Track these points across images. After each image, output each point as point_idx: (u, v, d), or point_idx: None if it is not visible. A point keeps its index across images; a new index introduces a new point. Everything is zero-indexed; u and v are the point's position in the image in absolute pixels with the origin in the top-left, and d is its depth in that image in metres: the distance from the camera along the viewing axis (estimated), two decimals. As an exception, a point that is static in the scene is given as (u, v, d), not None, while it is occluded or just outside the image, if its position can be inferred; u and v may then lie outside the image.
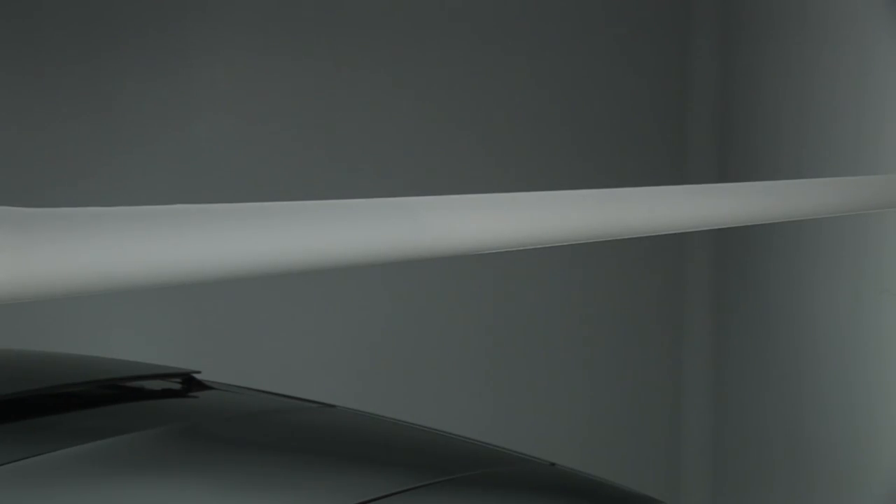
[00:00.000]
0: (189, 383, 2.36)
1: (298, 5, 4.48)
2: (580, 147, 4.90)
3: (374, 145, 4.60)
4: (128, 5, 4.30)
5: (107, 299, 4.16)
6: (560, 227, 1.48)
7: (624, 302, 5.01)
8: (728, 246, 4.87)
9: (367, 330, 4.62)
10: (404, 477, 1.90)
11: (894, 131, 3.95)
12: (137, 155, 4.31)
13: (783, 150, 4.54)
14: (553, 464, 2.05)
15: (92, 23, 4.25)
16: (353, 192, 4.38)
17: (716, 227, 1.79)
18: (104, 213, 1.09)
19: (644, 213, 1.59)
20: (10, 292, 1.00)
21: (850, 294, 4.13)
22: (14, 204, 1.05)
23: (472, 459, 2.10)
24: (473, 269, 4.72)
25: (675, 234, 1.71)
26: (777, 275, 4.56)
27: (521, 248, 1.47)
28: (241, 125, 4.43)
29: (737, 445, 4.82)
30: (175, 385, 2.35)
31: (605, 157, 4.92)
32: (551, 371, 4.89)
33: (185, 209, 1.16)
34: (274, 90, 4.46)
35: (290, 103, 4.48)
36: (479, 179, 4.65)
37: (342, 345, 4.58)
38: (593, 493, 1.93)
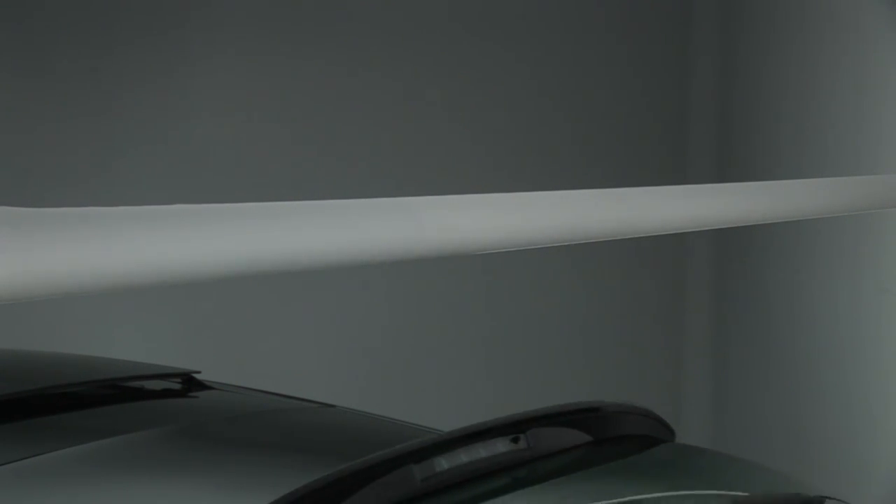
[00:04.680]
0: (189, 383, 2.36)
1: (298, 5, 4.48)
2: (580, 147, 4.90)
3: (374, 145, 4.60)
4: (128, 6, 4.30)
5: (107, 299, 4.16)
6: (560, 227, 1.48)
7: (624, 302, 5.01)
8: (728, 246, 4.87)
9: (366, 330, 4.62)
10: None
11: (894, 131, 3.95)
12: (137, 155, 4.31)
13: (783, 150, 4.54)
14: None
15: (92, 23, 4.25)
16: (353, 192, 4.37)
17: (716, 227, 1.79)
18: (104, 213, 1.09)
19: (644, 213, 1.59)
20: (10, 292, 1.00)
21: (850, 294, 4.13)
22: (14, 204, 1.05)
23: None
24: (473, 269, 4.72)
25: (675, 234, 1.71)
26: (777, 275, 4.56)
27: (521, 249, 1.47)
28: (241, 125, 4.43)
29: (737, 445, 4.81)
30: (175, 385, 2.35)
31: (605, 157, 4.92)
32: (551, 371, 4.89)
33: (185, 209, 1.16)
34: (274, 90, 4.46)
35: (290, 103, 4.48)
36: (479, 179, 4.65)
37: (342, 345, 4.58)
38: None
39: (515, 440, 1.80)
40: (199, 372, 2.39)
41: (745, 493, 1.75)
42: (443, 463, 1.67)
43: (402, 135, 4.64)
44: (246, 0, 4.44)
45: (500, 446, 1.78)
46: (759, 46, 4.69)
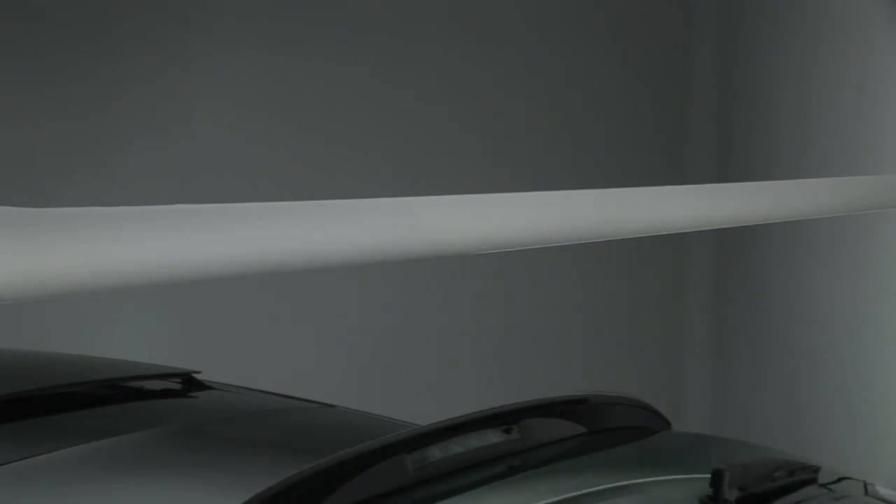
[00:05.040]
0: (189, 383, 2.36)
1: (298, 5, 4.47)
2: (580, 147, 4.90)
3: (374, 145, 4.60)
4: (128, 6, 4.30)
5: (107, 299, 4.16)
6: (560, 227, 1.48)
7: (624, 302, 5.01)
8: (728, 246, 4.87)
9: (366, 330, 4.61)
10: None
11: (894, 131, 3.95)
12: (137, 154, 4.31)
13: (783, 150, 4.54)
14: None
15: (92, 23, 4.25)
16: (353, 192, 4.38)
17: (716, 227, 1.79)
18: (104, 213, 1.09)
19: (644, 213, 1.59)
20: (9, 292, 1.00)
21: (850, 294, 4.13)
22: (14, 204, 1.05)
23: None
24: (473, 269, 4.72)
25: (675, 234, 1.71)
26: (777, 275, 4.56)
27: (521, 248, 1.47)
28: (241, 125, 4.43)
29: (737, 445, 4.81)
30: (175, 385, 2.35)
31: (605, 157, 4.92)
32: (551, 371, 4.89)
33: (185, 209, 1.16)
34: (274, 90, 4.46)
35: (291, 103, 4.48)
36: (479, 179, 4.65)
37: (342, 345, 4.58)
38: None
39: (507, 430, 1.81)
40: (199, 372, 2.39)
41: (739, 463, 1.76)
42: (433, 453, 1.67)
43: (402, 135, 4.64)
44: (246, 0, 4.44)
45: (492, 437, 1.78)
46: (759, 46, 4.69)
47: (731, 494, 1.69)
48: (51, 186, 4.19)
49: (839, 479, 2.00)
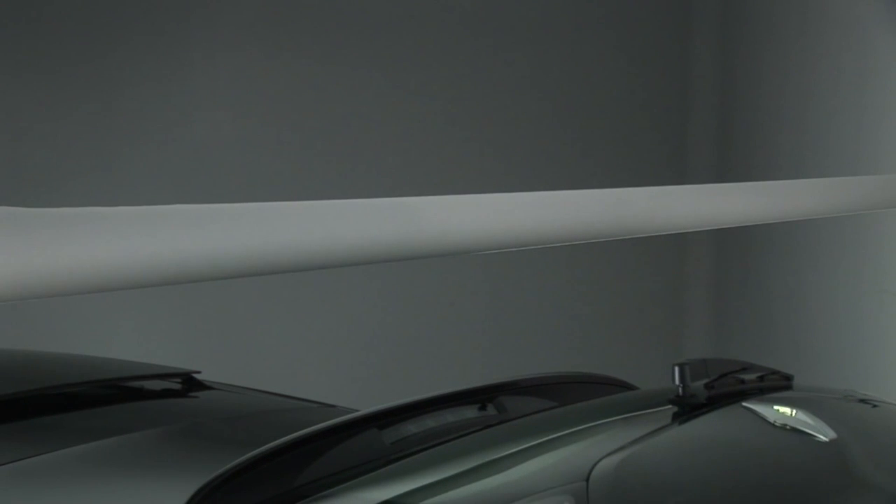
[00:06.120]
0: (189, 383, 2.36)
1: (298, 5, 4.48)
2: (580, 147, 4.90)
3: (374, 145, 4.60)
4: (128, 6, 4.30)
5: (107, 299, 4.16)
6: (560, 227, 1.48)
7: (624, 301, 5.01)
8: (728, 246, 4.87)
9: (365, 330, 4.61)
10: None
11: (894, 131, 3.95)
12: (137, 155, 4.31)
13: (783, 150, 4.54)
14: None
15: (92, 24, 4.25)
16: (353, 192, 4.38)
17: (716, 227, 1.79)
18: (104, 213, 1.09)
19: (644, 213, 1.59)
20: (10, 292, 1.00)
21: (850, 294, 4.13)
22: (14, 204, 1.05)
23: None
24: (473, 269, 4.72)
25: (675, 234, 1.72)
26: (777, 274, 4.56)
27: (521, 248, 1.47)
28: (241, 125, 4.43)
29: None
30: (175, 385, 2.35)
31: (605, 157, 4.92)
32: (552, 370, 4.89)
33: (185, 209, 1.16)
34: (274, 90, 4.46)
35: (290, 103, 4.48)
36: (480, 179, 4.65)
37: (341, 345, 4.58)
38: None
39: (482, 407, 1.82)
40: (199, 372, 2.39)
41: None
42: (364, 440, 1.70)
43: (402, 135, 4.64)
44: (246, 0, 4.44)
45: (452, 415, 1.80)
46: (759, 46, 4.69)
47: (699, 391, 1.69)
48: (51, 186, 4.19)
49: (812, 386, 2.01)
